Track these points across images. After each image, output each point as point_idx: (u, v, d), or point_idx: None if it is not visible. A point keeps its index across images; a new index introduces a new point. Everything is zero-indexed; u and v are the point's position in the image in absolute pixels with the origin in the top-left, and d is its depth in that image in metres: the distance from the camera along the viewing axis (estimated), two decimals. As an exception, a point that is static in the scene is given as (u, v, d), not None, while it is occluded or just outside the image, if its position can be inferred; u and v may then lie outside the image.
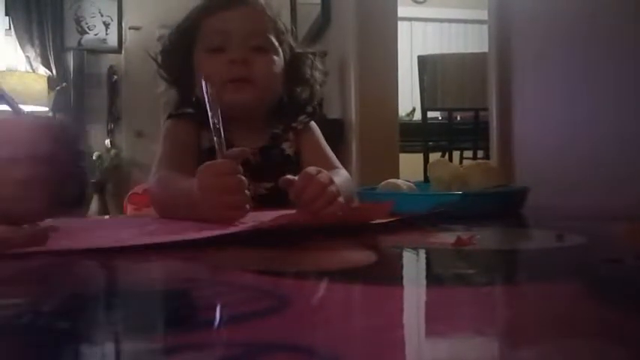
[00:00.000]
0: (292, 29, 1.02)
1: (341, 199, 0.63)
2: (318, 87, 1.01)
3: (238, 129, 0.91)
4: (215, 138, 0.63)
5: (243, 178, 0.61)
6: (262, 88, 0.91)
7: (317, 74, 1.00)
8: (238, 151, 0.65)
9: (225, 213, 0.58)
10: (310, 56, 1.00)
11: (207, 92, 0.65)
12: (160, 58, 0.96)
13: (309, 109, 1.00)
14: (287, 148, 0.95)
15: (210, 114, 0.63)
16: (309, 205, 0.58)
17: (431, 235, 0.55)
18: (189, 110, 0.90)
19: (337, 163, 0.98)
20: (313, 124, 1.00)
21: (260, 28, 0.92)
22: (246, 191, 0.61)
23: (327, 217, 0.56)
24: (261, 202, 0.84)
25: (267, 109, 0.96)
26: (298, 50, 0.99)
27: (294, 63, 0.97)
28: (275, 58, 0.93)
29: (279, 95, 0.96)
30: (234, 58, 0.88)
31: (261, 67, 0.90)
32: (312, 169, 0.63)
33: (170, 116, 0.92)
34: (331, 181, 0.62)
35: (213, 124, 0.63)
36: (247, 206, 0.61)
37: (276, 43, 0.94)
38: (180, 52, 0.94)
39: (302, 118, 0.97)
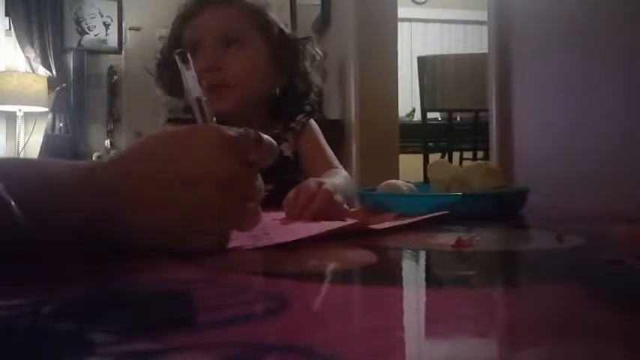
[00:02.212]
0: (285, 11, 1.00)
1: (345, 206, 0.64)
2: (312, 76, 0.98)
3: None
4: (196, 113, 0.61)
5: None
6: (241, 88, 0.89)
7: (311, 63, 0.97)
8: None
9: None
10: (302, 44, 0.97)
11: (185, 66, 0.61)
12: (156, 72, 0.97)
13: (308, 107, 0.98)
14: (285, 149, 0.95)
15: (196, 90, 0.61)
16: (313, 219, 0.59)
17: (431, 237, 0.55)
18: (189, 116, 0.91)
19: (336, 162, 0.97)
20: (313, 122, 0.99)
21: (231, 22, 0.90)
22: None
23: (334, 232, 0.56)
24: (262, 204, 0.85)
25: (262, 107, 0.95)
26: (290, 36, 0.96)
27: (286, 53, 0.95)
28: (253, 51, 0.90)
29: (266, 89, 0.94)
30: (205, 66, 0.86)
31: (237, 67, 0.88)
32: (311, 184, 0.63)
33: (169, 120, 0.92)
34: (334, 192, 0.62)
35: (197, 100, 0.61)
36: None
37: (256, 34, 0.92)
38: (171, 63, 0.94)
39: (300, 117, 0.96)
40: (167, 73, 0.95)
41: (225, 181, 0.40)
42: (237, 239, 0.46)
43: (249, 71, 0.89)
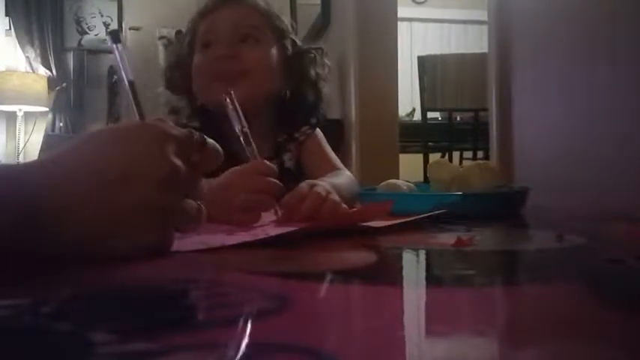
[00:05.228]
0: (294, 25, 1.01)
1: (344, 206, 0.64)
2: (322, 87, 1.00)
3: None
4: (245, 145, 0.63)
5: (277, 181, 0.61)
6: (257, 79, 0.89)
7: (320, 72, 0.99)
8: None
9: (234, 215, 0.57)
10: (313, 53, 0.99)
11: (230, 102, 0.65)
12: (167, 73, 0.98)
13: (314, 120, 0.99)
14: (287, 160, 0.94)
15: (238, 123, 0.64)
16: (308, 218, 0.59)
17: (431, 236, 0.55)
18: (195, 124, 0.90)
19: (339, 164, 0.97)
20: (317, 129, 0.99)
21: (249, 20, 0.92)
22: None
23: (329, 223, 0.56)
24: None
25: (269, 111, 0.95)
26: (301, 47, 0.98)
27: (297, 61, 0.96)
28: (268, 49, 0.92)
29: (278, 92, 0.94)
30: (221, 54, 0.88)
31: (252, 56, 0.89)
32: (303, 186, 0.63)
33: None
34: (326, 193, 0.62)
35: (244, 133, 0.63)
36: (274, 210, 0.61)
37: (271, 37, 0.93)
38: (185, 62, 0.95)
39: (304, 129, 0.96)
40: (178, 74, 0.96)
41: (164, 179, 0.38)
42: (234, 237, 0.46)
43: (264, 62, 0.91)
